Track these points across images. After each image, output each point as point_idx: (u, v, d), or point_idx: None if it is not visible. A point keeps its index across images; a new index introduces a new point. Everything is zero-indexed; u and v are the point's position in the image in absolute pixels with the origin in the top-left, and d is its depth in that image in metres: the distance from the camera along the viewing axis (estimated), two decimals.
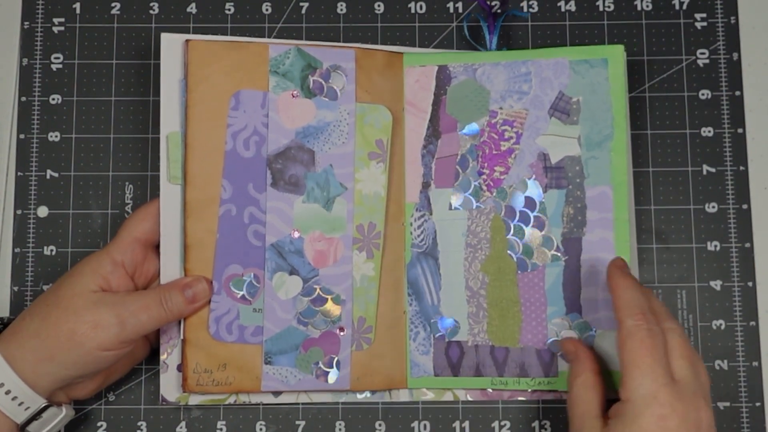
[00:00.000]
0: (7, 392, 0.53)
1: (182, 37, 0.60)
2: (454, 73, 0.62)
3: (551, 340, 0.60)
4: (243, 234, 0.60)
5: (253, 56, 0.60)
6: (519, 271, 0.61)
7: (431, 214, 0.61)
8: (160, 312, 0.55)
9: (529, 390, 0.60)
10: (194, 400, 0.60)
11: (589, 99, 0.61)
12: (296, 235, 0.60)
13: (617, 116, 0.60)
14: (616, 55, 0.61)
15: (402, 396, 0.61)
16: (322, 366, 0.60)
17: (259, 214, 0.60)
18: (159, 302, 0.55)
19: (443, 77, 0.62)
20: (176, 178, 0.59)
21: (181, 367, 0.59)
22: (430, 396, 0.61)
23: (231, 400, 0.60)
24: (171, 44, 0.60)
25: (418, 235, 0.62)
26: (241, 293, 0.59)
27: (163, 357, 0.60)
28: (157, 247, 0.59)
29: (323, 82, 0.61)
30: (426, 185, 0.62)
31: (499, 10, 0.65)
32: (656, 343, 0.51)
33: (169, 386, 0.60)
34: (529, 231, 0.61)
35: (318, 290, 0.60)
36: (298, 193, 0.60)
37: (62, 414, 0.56)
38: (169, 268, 0.59)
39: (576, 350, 0.57)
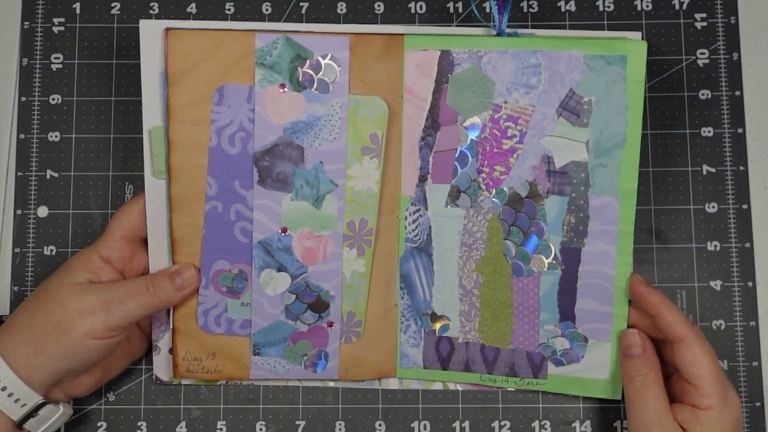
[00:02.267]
0: (3, 388, 0.53)
1: (162, 23, 0.57)
2: (458, 59, 0.58)
3: (541, 344, 0.60)
4: (230, 231, 0.59)
5: (239, 46, 0.57)
6: (514, 276, 0.59)
7: (427, 209, 0.60)
8: (147, 298, 0.55)
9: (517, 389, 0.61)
10: (186, 380, 0.61)
11: (603, 99, 0.57)
12: (284, 232, 0.59)
13: (632, 121, 0.56)
14: (637, 52, 0.56)
15: (392, 384, 0.61)
16: (310, 358, 0.60)
17: (246, 211, 0.59)
18: (146, 288, 0.55)
19: (446, 64, 0.58)
20: (160, 172, 0.58)
21: (172, 351, 0.60)
22: (419, 385, 0.61)
23: (222, 381, 0.61)
24: (151, 32, 0.57)
25: (413, 230, 0.60)
26: (229, 288, 0.59)
27: (155, 341, 0.60)
28: (145, 242, 0.59)
29: (313, 74, 0.58)
30: (423, 179, 0.60)
31: None
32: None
33: (162, 367, 0.61)
34: (527, 236, 0.59)
35: (307, 287, 0.60)
36: (287, 191, 0.59)
37: (59, 412, 0.56)
38: (158, 262, 0.59)
39: (643, 345, 0.57)
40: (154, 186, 0.59)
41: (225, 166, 0.58)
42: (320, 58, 0.58)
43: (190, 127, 0.58)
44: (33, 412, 0.54)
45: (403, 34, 0.59)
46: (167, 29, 0.57)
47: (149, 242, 0.59)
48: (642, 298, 0.56)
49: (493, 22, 0.59)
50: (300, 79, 0.58)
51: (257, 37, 0.58)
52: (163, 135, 0.58)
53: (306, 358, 0.60)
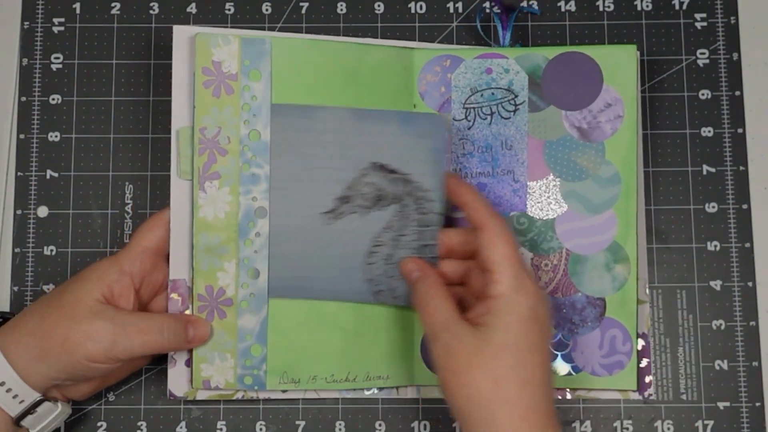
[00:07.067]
0: (2, 383, 0.53)
1: (194, 29, 0.58)
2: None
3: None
4: None
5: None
6: None
7: None
8: (155, 339, 0.55)
9: None
10: (202, 395, 0.59)
11: None
12: None
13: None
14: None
15: (409, 393, 0.61)
16: None
17: None
18: (158, 330, 0.55)
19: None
20: (186, 173, 0.58)
21: (189, 362, 0.59)
22: (436, 394, 0.61)
23: (239, 395, 0.59)
24: (183, 37, 0.59)
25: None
26: None
27: (171, 354, 0.59)
28: (167, 256, 0.58)
29: None
30: None
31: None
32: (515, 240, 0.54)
33: (177, 381, 0.59)
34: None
35: None
36: None
37: (58, 410, 0.55)
38: (179, 264, 0.58)
39: (420, 266, 0.56)
40: (179, 187, 0.58)
41: None
42: None
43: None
44: (31, 409, 0.54)
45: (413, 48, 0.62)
46: (196, 34, 0.58)
47: (171, 244, 0.58)
48: (452, 191, 0.56)
49: (494, 38, 0.62)
50: None
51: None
52: (190, 135, 0.58)
53: None
